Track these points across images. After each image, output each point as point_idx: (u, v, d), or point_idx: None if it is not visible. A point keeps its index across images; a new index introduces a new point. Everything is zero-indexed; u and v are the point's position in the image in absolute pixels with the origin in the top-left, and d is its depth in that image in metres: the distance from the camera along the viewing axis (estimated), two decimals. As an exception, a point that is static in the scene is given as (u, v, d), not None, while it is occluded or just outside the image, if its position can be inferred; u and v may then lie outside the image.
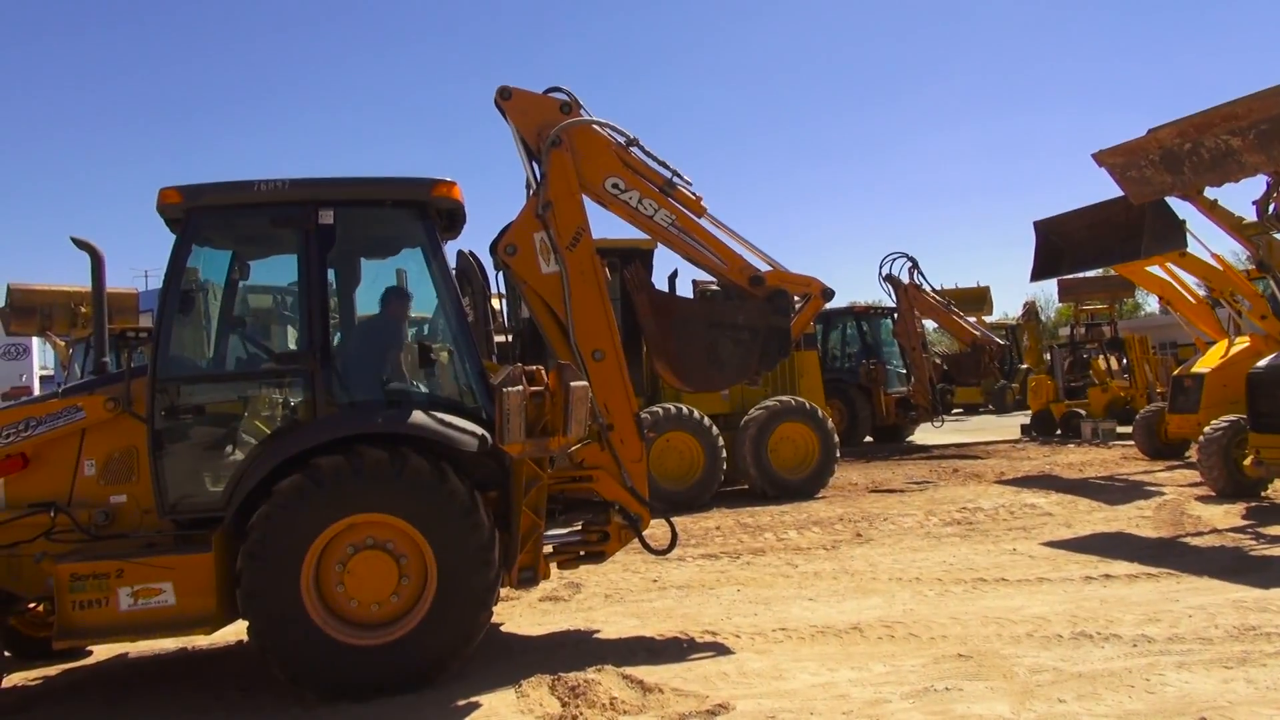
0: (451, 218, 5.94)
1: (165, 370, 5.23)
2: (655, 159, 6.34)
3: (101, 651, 6.38)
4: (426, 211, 5.62)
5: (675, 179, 6.35)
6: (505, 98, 6.15)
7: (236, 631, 5.61)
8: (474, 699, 4.93)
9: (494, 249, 6.18)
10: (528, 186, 6.25)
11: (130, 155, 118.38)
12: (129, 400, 5.22)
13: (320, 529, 4.93)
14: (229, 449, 5.45)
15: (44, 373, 29.77)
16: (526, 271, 6.08)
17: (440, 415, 5.28)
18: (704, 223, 6.47)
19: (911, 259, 18.71)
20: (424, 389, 5.74)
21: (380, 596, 5.02)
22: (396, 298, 5.95)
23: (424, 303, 6.14)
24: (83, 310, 16.18)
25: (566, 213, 6.05)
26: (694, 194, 6.43)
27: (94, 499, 5.22)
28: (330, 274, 5.62)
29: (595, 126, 6.21)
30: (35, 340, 25.92)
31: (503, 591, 5.99)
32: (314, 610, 4.91)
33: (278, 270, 6.05)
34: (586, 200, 6.18)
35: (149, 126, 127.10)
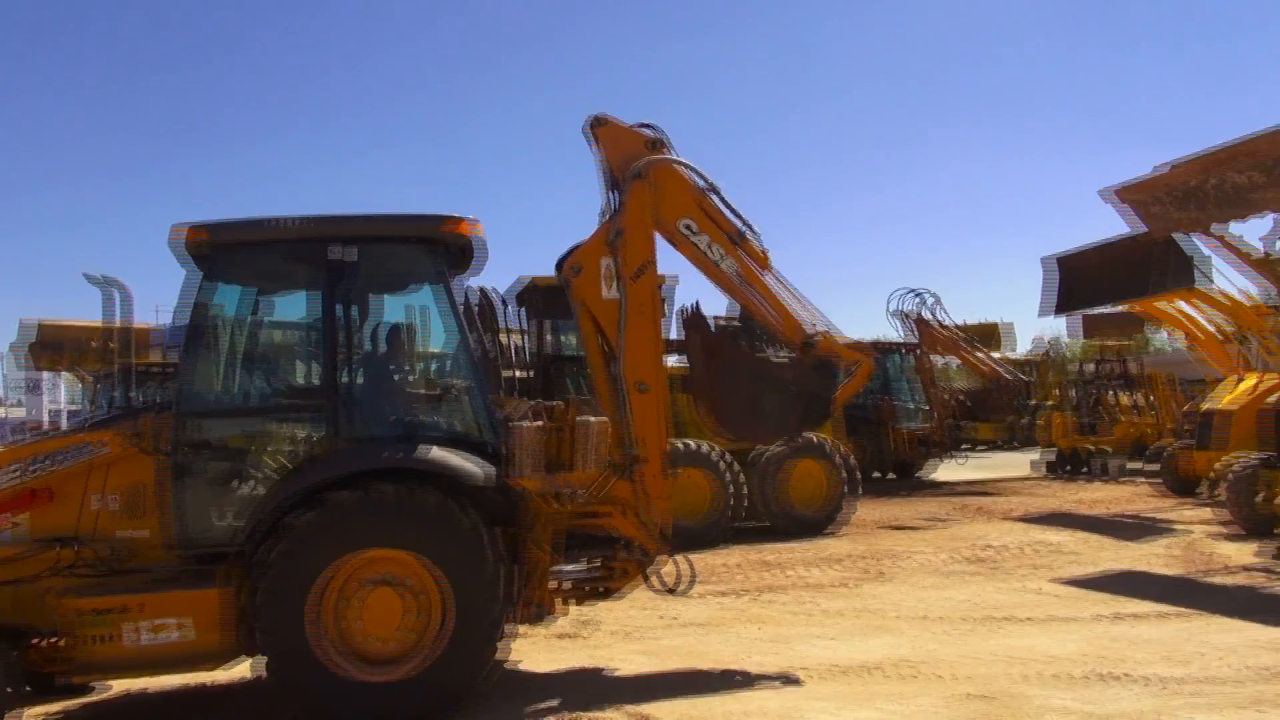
0: (464, 253, 5.98)
1: (188, 405, 5.26)
2: (731, 208, 6.42)
3: (113, 687, 6.34)
4: (437, 247, 5.67)
5: (747, 231, 6.40)
6: (599, 125, 6.25)
7: (244, 668, 5.58)
8: (485, 737, 4.88)
9: (560, 265, 6.21)
10: (602, 213, 6.33)
11: (136, 190, 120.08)
12: (152, 435, 5.25)
13: (334, 563, 4.92)
14: (245, 483, 5.47)
15: (53, 407, 29.92)
16: (588, 293, 6.11)
17: (451, 449, 5.28)
18: (767, 278, 6.52)
19: (933, 294, 18.75)
20: (435, 424, 5.74)
21: (391, 632, 5.00)
22: (399, 334, 5.98)
23: (437, 338, 6.18)
24: (111, 346, 16.40)
25: (637, 244, 6.11)
26: (762, 248, 6.46)
27: (110, 533, 5.23)
28: (346, 309, 5.67)
29: (679, 166, 6.29)
30: (46, 375, 26.11)
31: (518, 628, 5.94)
32: (329, 645, 4.89)
33: (291, 306, 6.09)
34: (657, 237, 6.27)
35: (149, 164, 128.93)
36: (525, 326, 12.89)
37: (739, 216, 6.41)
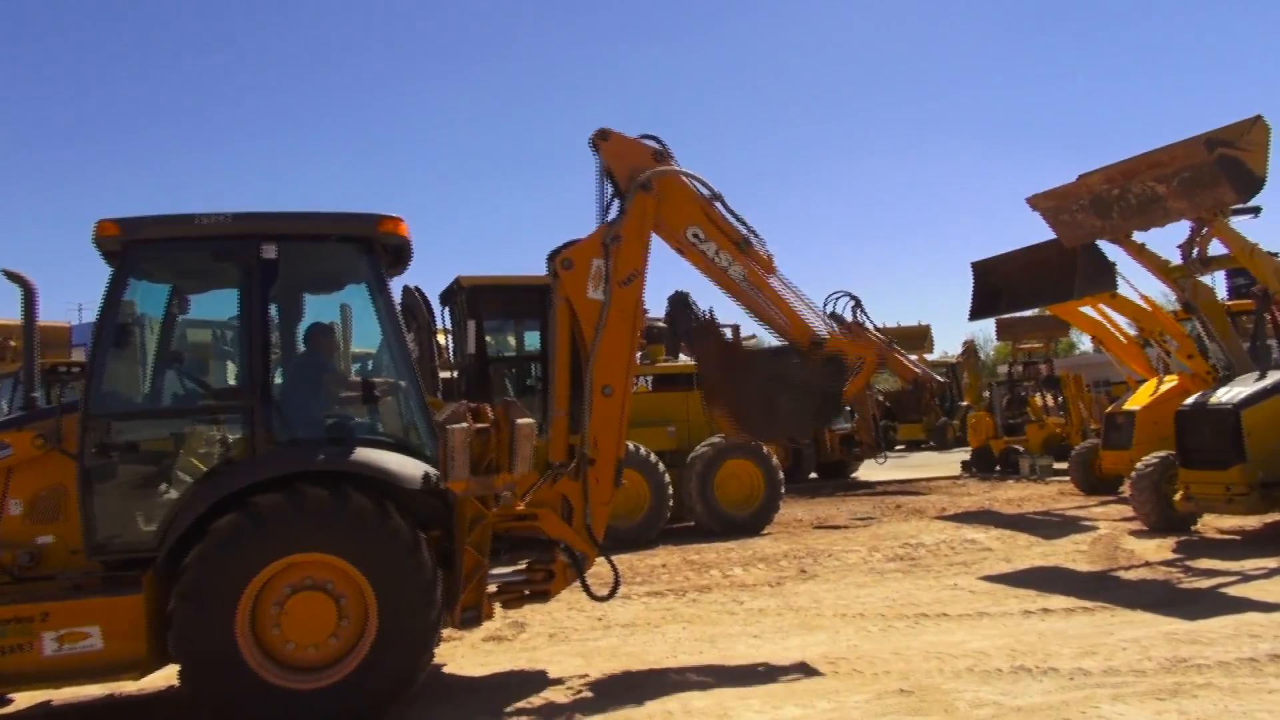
0: (398, 253, 5.92)
1: (98, 405, 5.10)
2: (736, 216, 6.59)
3: (23, 699, 6.12)
4: (372, 247, 5.60)
5: (751, 236, 6.59)
6: (602, 139, 6.38)
7: (166, 677, 5.43)
8: (414, 743, 4.84)
9: (551, 258, 6.29)
10: (600, 218, 6.44)
11: (64, 180, 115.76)
12: (59, 437, 5.08)
13: (257, 569, 4.82)
14: (163, 487, 5.32)
15: None
16: (574, 290, 6.21)
17: (383, 452, 5.22)
18: (773, 281, 6.67)
19: (854, 297, 19.04)
20: (367, 426, 5.67)
21: (318, 638, 4.91)
22: (321, 333, 5.90)
23: (369, 338, 6.11)
24: (12, 344, 15.78)
25: (631, 252, 6.23)
26: (767, 253, 6.67)
27: (19, 539, 5.05)
28: (272, 309, 5.56)
29: (684, 177, 6.45)
30: None
31: (445, 632, 5.90)
32: (249, 653, 4.79)
33: (217, 305, 5.96)
34: (664, 246, 6.46)
35: (81, 152, 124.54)
36: (449, 326, 12.76)
37: (743, 223, 6.60)
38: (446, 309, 12.73)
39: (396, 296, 5.92)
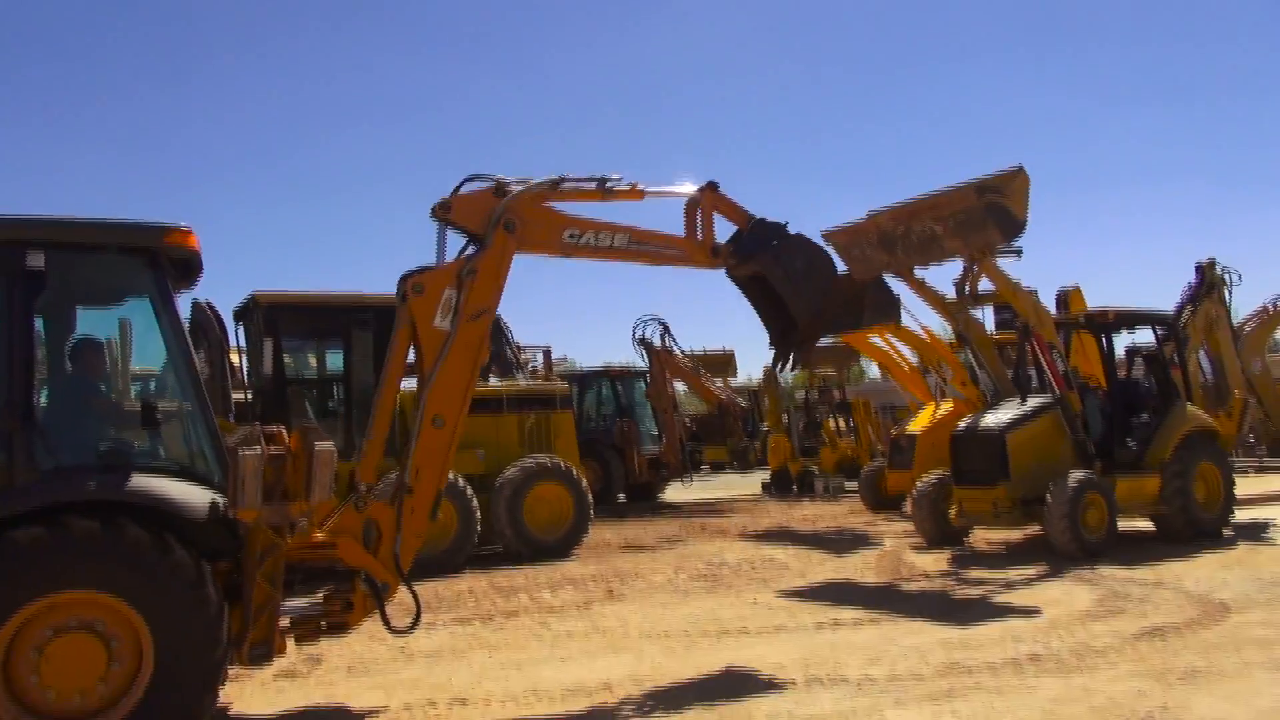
0: (186, 267, 5.55)
1: None
2: (581, 180, 6.74)
3: None
4: (157, 259, 5.22)
5: (607, 182, 6.79)
6: (445, 209, 6.33)
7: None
8: (195, 792, 4.50)
9: (403, 280, 6.14)
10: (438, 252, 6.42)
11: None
12: None
13: (11, 612, 4.35)
14: None
15: None
16: (420, 314, 6.07)
17: (164, 480, 4.86)
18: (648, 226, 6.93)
19: (663, 323, 19.54)
20: (146, 451, 5.26)
21: (85, 684, 4.48)
22: (90, 349, 5.46)
23: (152, 357, 5.68)
24: None
25: (485, 289, 6.20)
26: (628, 185, 6.90)
27: None
28: (38, 323, 5.08)
29: (530, 193, 6.50)
30: None
31: (233, 670, 5.53)
32: (6, 704, 4.30)
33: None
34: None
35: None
36: (243, 345, 12.06)
37: (591, 178, 6.77)
38: (241, 326, 12.02)
39: (185, 312, 5.56)
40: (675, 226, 7.20)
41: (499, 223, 6.30)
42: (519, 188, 6.50)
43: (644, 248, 6.95)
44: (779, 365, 8.56)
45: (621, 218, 6.89)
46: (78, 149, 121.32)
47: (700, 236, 7.29)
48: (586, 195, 6.78)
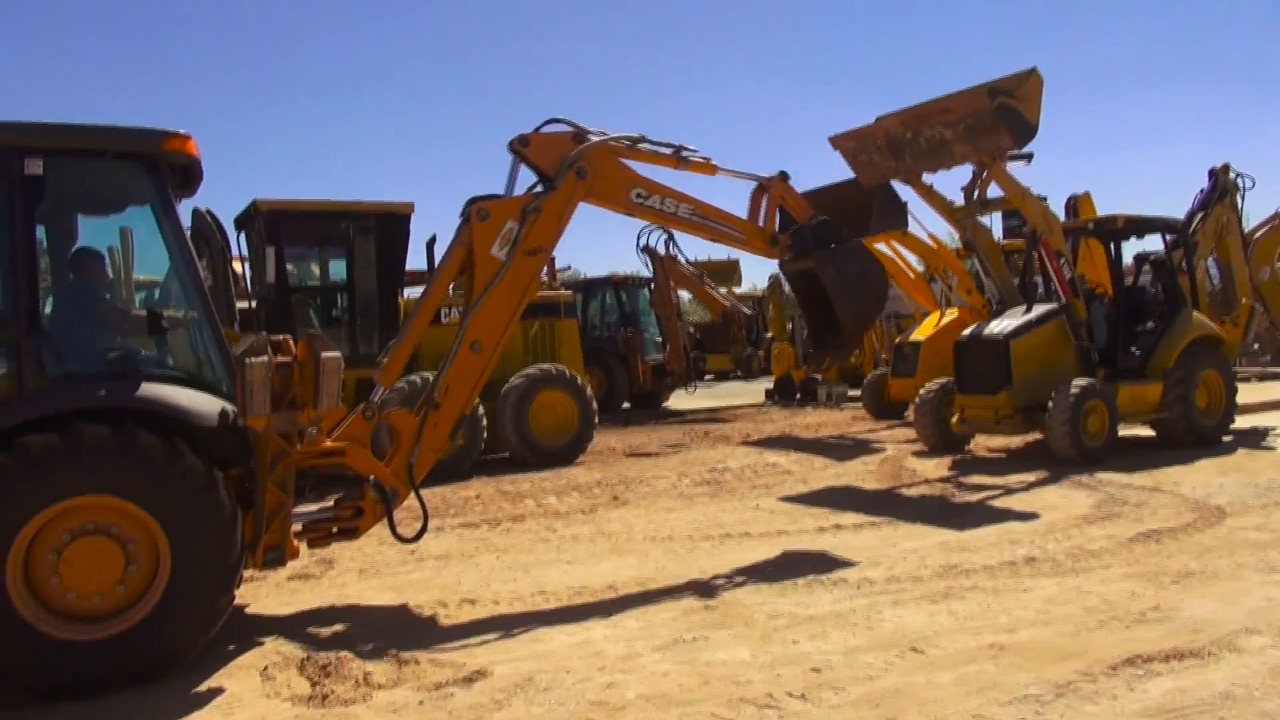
0: (185, 174, 5.48)
1: None
2: (660, 143, 6.97)
3: None
4: (156, 166, 5.15)
5: (683, 151, 7.02)
6: (524, 144, 6.57)
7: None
8: (216, 685, 4.67)
9: (469, 203, 6.35)
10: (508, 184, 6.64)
11: None
12: None
13: (29, 515, 4.44)
14: None
15: None
16: (480, 240, 6.29)
17: (174, 387, 4.89)
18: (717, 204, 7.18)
19: (668, 231, 19.33)
20: (155, 359, 5.29)
21: (104, 586, 4.60)
22: (90, 258, 5.43)
23: (155, 265, 5.66)
24: None
25: (546, 227, 6.42)
26: (703, 158, 7.12)
27: None
28: (40, 231, 5.04)
29: (609, 144, 6.72)
30: None
31: (248, 573, 5.68)
32: (22, 605, 4.43)
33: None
34: (612, 214, 6.88)
35: None
36: (245, 254, 12.00)
37: (669, 145, 6.97)
38: (242, 235, 11.94)
39: (186, 221, 5.51)
40: (708, 197, 7.34)
41: (572, 167, 6.48)
42: (597, 138, 6.65)
43: (705, 222, 7.11)
44: (812, 365, 8.99)
45: (683, 186, 7.10)
46: (74, 51, 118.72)
47: (762, 223, 7.47)
48: (660, 160, 6.94)
